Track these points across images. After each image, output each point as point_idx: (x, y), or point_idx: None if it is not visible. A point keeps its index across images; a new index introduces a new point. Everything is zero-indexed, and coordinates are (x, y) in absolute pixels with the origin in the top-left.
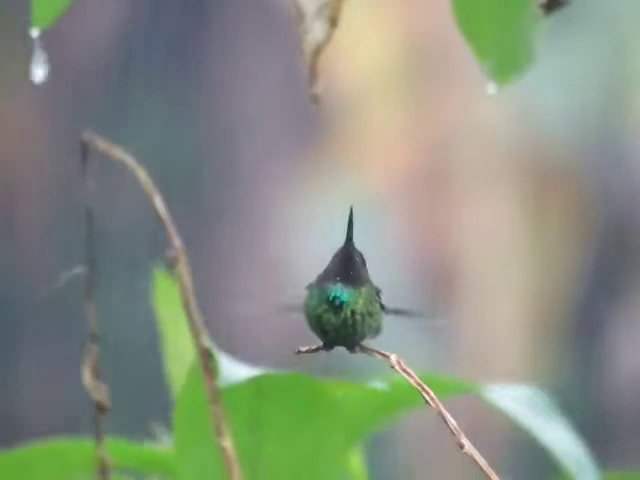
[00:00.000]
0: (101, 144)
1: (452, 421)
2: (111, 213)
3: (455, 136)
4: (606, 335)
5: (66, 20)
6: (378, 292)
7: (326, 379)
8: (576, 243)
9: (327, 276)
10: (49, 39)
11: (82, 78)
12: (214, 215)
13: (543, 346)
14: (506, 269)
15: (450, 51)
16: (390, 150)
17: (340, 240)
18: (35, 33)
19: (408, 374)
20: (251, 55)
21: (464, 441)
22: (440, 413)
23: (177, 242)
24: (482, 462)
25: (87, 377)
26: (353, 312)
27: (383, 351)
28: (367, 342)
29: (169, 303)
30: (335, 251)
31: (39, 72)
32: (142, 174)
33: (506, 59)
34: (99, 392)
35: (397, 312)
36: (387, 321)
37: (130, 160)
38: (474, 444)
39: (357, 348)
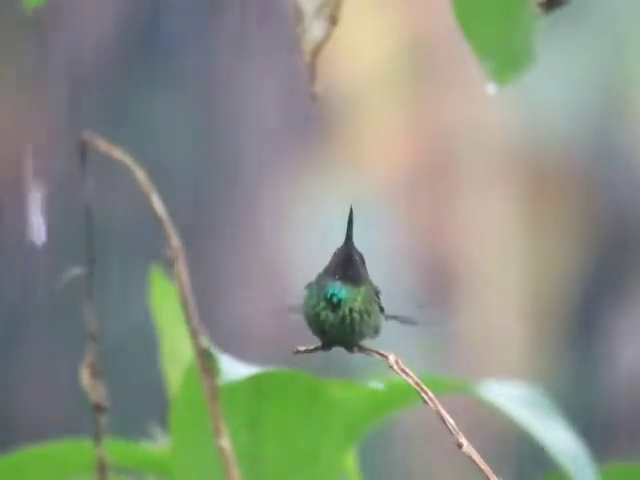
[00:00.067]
0: (100, 144)
1: (450, 420)
2: (110, 212)
3: (455, 134)
4: (605, 334)
5: (67, 19)
6: (377, 293)
7: (325, 379)
8: (576, 241)
9: (326, 275)
10: (49, 39)
11: (82, 78)
12: (214, 214)
13: (542, 345)
14: (505, 267)
15: (450, 49)
16: (390, 148)
17: (340, 239)
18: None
19: (406, 374)
20: (253, 54)
21: (462, 440)
22: (438, 412)
23: (175, 242)
24: (480, 461)
25: (85, 378)
26: (351, 310)
27: (381, 351)
28: (365, 342)
29: (166, 303)
30: (335, 250)
31: (40, 235)
32: (141, 174)
33: (506, 59)
34: (97, 393)
35: (395, 318)
36: (385, 321)
37: (129, 160)
38: (472, 443)
39: (355, 348)
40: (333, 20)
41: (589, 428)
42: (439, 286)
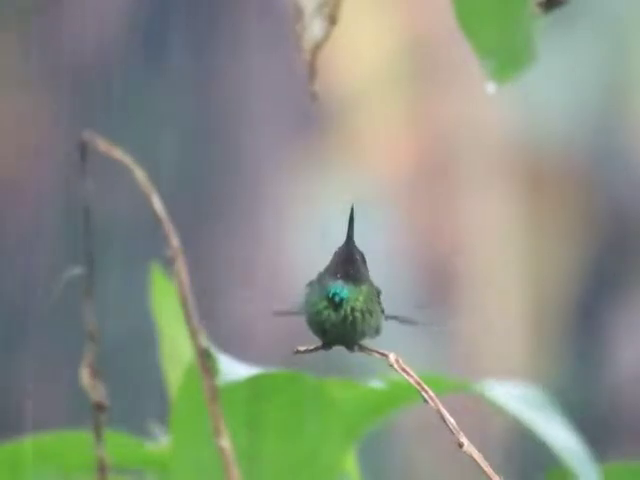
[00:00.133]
0: (100, 144)
1: (451, 420)
2: (110, 212)
3: (455, 133)
4: (605, 333)
5: (67, 20)
6: (378, 293)
7: (324, 378)
8: (575, 241)
9: (328, 274)
10: (50, 39)
11: (82, 78)
12: (213, 214)
13: (542, 344)
14: (505, 266)
15: (450, 49)
16: (390, 148)
17: (340, 238)
18: None
19: (407, 373)
20: (255, 50)
21: (463, 440)
22: (439, 412)
23: (175, 241)
24: (481, 460)
25: (85, 377)
26: (353, 309)
27: (382, 350)
28: (366, 342)
29: (166, 302)
30: (336, 249)
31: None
32: (140, 174)
33: (506, 58)
34: (97, 392)
35: (395, 318)
36: (385, 321)
37: (129, 160)
38: (472, 443)
39: (356, 347)
40: (333, 19)
41: (589, 427)
42: (439, 285)
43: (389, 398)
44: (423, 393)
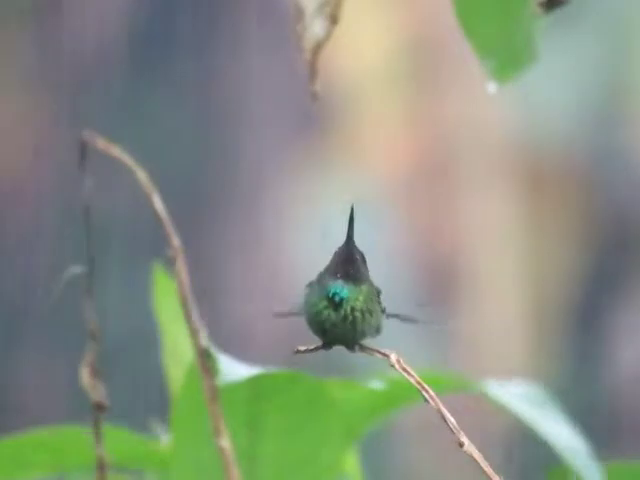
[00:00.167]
0: (100, 143)
1: (451, 419)
2: (111, 210)
3: (455, 133)
4: (605, 333)
5: (67, 20)
6: (379, 292)
7: (325, 378)
8: (576, 241)
9: (328, 274)
10: (50, 39)
11: (83, 78)
12: (214, 214)
13: (542, 344)
14: (505, 266)
15: (450, 48)
16: (390, 148)
17: (340, 238)
18: None
19: (408, 373)
20: (255, 51)
21: (464, 439)
22: (440, 411)
23: (175, 241)
24: (481, 460)
25: (85, 377)
26: (353, 309)
27: (383, 350)
28: (367, 341)
29: (168, 300)
30: (336, 249)
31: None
32: (141, 174)
33: (507, 58)
34: (97, 391)
35: (396, 317)
36: (385, 319)
37: (129, 160)
38: (473, 443)
39: (356, 347)
40: (334, 19)
41: (589, 426)
42: (439, 285)
43: (389, 398)
44: (424, 393)
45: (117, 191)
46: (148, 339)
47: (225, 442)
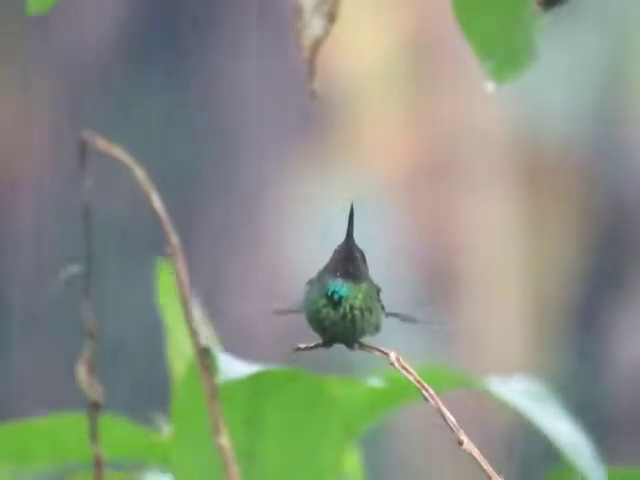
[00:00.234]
0: (100, 143)
1: (451, 418)
2: (111, 210)
3: (455, 132)
4: (605, 331)
5: (68, 20)
6: (378, 291)
7: (324, 376)
8: (576, 239)
9: (327, 272)
10: (50, 39)
11: (83, 77)
12: (214, 213)
13: (542, 342)
14: (506, 264)
15: (450, 48)
16: (390, 147)
17: (340, 238)
18: None
19: (407, 371)
20: (255, 51)
21: (463, 437)
22: (439, 410)
23: (174, 239)
24: (481, 458)
25: (82, 375)
26: (352, 307)
27: (382, 348)
28: (367, 339)
29: (172, 296)
30: (335, 247)
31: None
32: (140, 173)
33: (506, 57)
34: (94, 390)
35: (396, 316)
36: (385, 318)
37: (128, 159)
38: (473, 441)
39: (356, 345)
40: (332, 17)
41: (589, 425)
42: (439, 284)
43: (389, 396)
44: (423, 391)
45: (117, 191)
46: (152, 334)
47: (224, 440)
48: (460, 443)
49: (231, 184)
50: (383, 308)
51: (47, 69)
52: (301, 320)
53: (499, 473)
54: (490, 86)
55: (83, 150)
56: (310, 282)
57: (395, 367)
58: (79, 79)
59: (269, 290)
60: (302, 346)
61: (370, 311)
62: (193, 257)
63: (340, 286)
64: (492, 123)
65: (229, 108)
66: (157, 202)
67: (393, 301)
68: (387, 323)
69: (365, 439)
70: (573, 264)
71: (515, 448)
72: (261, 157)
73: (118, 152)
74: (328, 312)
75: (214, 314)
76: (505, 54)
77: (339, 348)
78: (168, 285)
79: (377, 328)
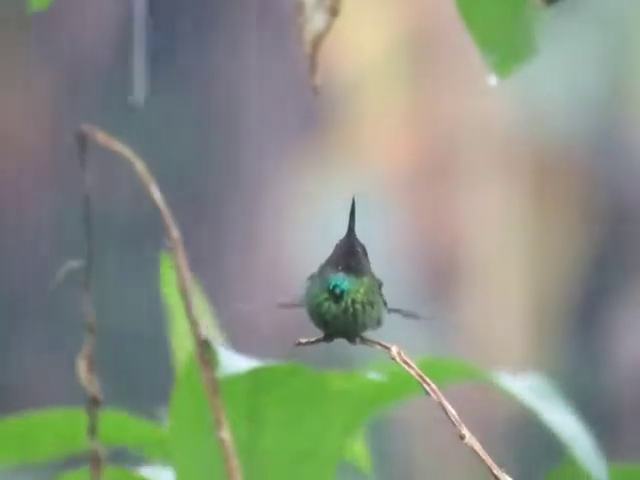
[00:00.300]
0: (99, 136)
1: (452, 412)
2: (112, 204)
3: (457, 127)
4: (606, 327)
5: (67, 19)
6: (380, 285)
7: (325, 370)
8: (577, 235)
9: (329, 266)
10: (50, 38)
11: (82, 77)
12: (214, 211)
13: (543, 338)
14: (507, 260)
15: (451, 42)
16: (391, 143)
17: (341, 235)
18: None
19: (408, 365)
20: (255, 49)
21: (464, 432)
22: (441, 404)
23: (175, 233)
24: (482, 452)
25: (82, 370)
26: (354, 301)
27: (384, 342)
28: (368, 334)
29: (174, 289)
30: (337, 242)
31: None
32: (140, 166)
33: (508, 51)
34: (93, 385)
35: (397, 312)
36: (387, 314)
37: (128, 152)
38: (475, 435)
39: (357, 339)
40: (334, 12)
41: (590, 421)
42: (441, 280)
43: (390, 390)
44: (425, 385)
45: (117, 187)
46: (155, 327)
47: (225, 434)
48: (462, 437)
49: (231, 183)
50: (385, 302)
51: (47, 69)
52: (304, 314)
53: (500, 467)
54: (492, 79)
55: (83, 143)
56: (311, 277)
57: (396, 361)
58: (79, 79)
59: (269, 289)
60: (303, 341)
61: (372, 305)
62: (193, 255)
63: (342, 280)
64: (493, 120)
65: (229, 107)
66: (157, 195)
67: (394, 298)
68: (388, 318)
69: (371, 430)
70: (574, 262)
71: (516, 442)
72: (261, 156)
73: (118, 146)
74: (330, 306)
75: (215, 311)
76: (507, 48)
77: (340, 342)
78: (172, 278)
79: (379, 322)
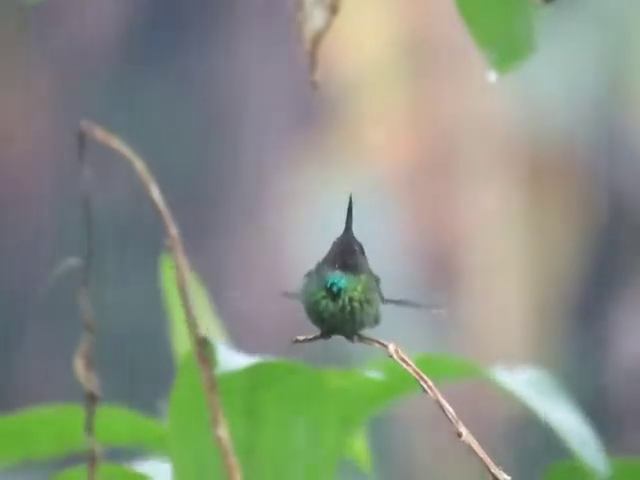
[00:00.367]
0: (98, 133)
1: (450, 409)
2: (111, 203)
3: (456, 124)
4: (606, 323)
5: (67, 18)
6: (377, 281)
7: (323, 368)
8: (577, 231)
9: (326, 264)
10: (50, 38)
11: (82, 77)
12: (215, 210)
13: (543, 333)
14: (507, 256)
15: (451, 40)
16: (391, 140)
17: (342, 229)
18: None
19: (406, 363)
20: (255, 47)
21: (462, 429)
22: (438, 402)
23: (173, 231)
24: (480, 450)
25: (80, 368)
26: (351, 299)
27: (381, 340)
28: (366, 331)
29: (174, 287)
30: (334, 240)
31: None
32: (139, 164)
33: (507, 48)
34: (91, 383)
35: (396, 302)
36: (387, 308)
37: (127, 151)
38: (472, 433)
39: (355, 337)
40: (333, 9)
41: (591, 416)
42: (441, 278)
43: (388, 388)
44: (422, 383)
45: (117, 186)
46: (157, 323)
47: (223, 432)
48: (459, 435)
49: (231, 181)
50: (382, 299)
51: (47, 69)
52: (301, 311)
53: (498, 465)
54: (492, 76)
55: (82, 140)
56: (309, 274)
57: (394, 359)
58: (79, 78)
59: (269, 287)
60: (301, 338)
61: (369, 303)
62: (193, 253)
63: (339, 278)
64: (493, 119)
65: (229, 105)
66: (156, 193)
67: (394, 296)
68: (387, 315)
69: (372, 428)
70: (573, 259)
71: (516, 442)
72: (261, 153)
73: (117, 143)
74: (327, 304)
75: (215, 310)
76: (506, 44)
77: (338, 340)
78: (171, 278)
79: (376, 320)
